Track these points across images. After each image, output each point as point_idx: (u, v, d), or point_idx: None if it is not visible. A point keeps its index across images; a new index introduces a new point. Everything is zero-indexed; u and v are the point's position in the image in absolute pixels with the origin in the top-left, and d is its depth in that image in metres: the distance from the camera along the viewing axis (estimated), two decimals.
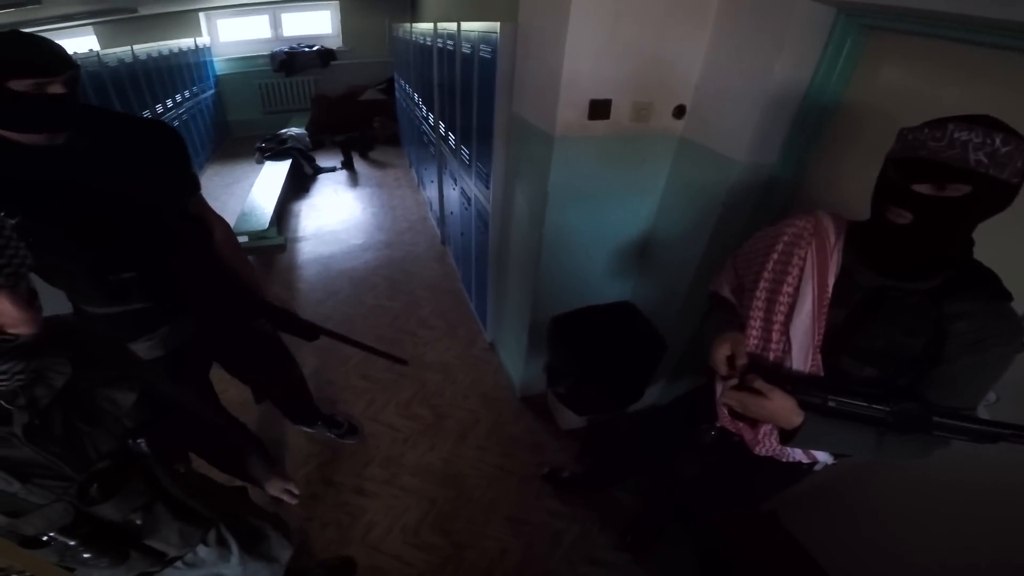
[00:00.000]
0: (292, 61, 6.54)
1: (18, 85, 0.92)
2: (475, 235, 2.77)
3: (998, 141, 0.71)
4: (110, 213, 1.09)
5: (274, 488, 1.25)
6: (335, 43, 6.84)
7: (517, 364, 2.54)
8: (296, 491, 1.29)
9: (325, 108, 6.55)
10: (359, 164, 6.09)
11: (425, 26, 3.27)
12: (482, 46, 2.07)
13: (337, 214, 4.68)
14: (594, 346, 2.04)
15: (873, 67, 1.40)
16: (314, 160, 5.74)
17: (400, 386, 2.65)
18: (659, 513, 1.91)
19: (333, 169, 5.85)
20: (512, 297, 2.45)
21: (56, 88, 0.96)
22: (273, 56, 6.56)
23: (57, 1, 3.37)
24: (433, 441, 2.36)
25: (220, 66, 6.57)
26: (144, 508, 0.89)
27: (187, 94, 5.63)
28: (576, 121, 1.64)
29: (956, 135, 0.73)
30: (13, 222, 0.92)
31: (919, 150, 0.77)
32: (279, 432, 2.34)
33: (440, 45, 2.86)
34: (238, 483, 1.26)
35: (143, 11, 5.12)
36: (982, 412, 1.25)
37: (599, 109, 1.63)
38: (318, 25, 6.83)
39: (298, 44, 6.64)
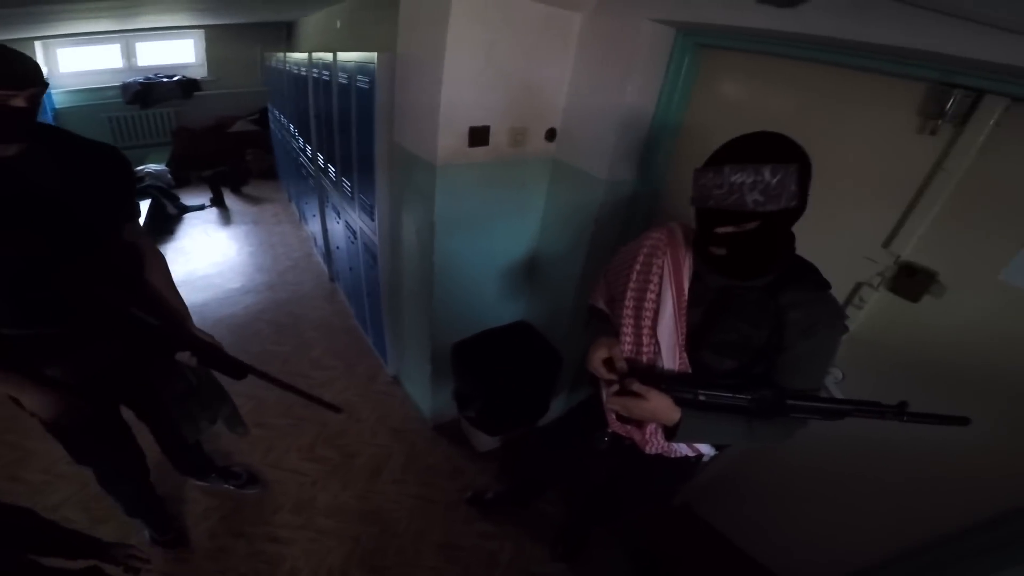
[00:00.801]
0: (148, 92, 5.96)
1: None
2: (364, 269, 2.71)
3: (767, 175, 0.81)
4: (49, 229, 1.07)
5: (118, 557, 1.20)
6: (199, 73, 6.35)
7: (424, 394, 2.52)
8: (142, 555, 1.23)
9: (189, 141, 6.07)
10: (231, 200, 5.67)
11: (300, 56, 3.17)
12: (359, 76, 2.05)
13: (209, 256, 4.31)
14: (497, 367, 2.08)
15: (707, 83, 1.60)
16: (178, 199, 5.25)
17: (299, 430, 2.51)
18: (582, 520, 1.97)
19: (201, 207, 5.39)
20: (410, 328, 2.43)
21: (19, 102, 0.97)
22: (125, 87, 5.93)
23: None
24: (345, 480, 2.26)
25: (59, 99, 5.79)
26: None
27: None
28: (457, 148, 1.68)
29: (732, 179, 0.82)
30: None
31: (707, 200, 0.88)
32: (172, 487, 2.12)
33: (316, 75, 2.78)
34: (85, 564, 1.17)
35: None
36: (833, 389, 1.46)
37: (478, 136, 1.69)
38: (180, 54, 6.28)
39: (156, 74, 6.08)
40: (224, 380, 1.44)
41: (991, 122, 1.07)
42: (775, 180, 0.81)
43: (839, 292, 1.33)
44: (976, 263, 1.17)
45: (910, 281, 1.26)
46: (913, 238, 1.24)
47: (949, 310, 1.23)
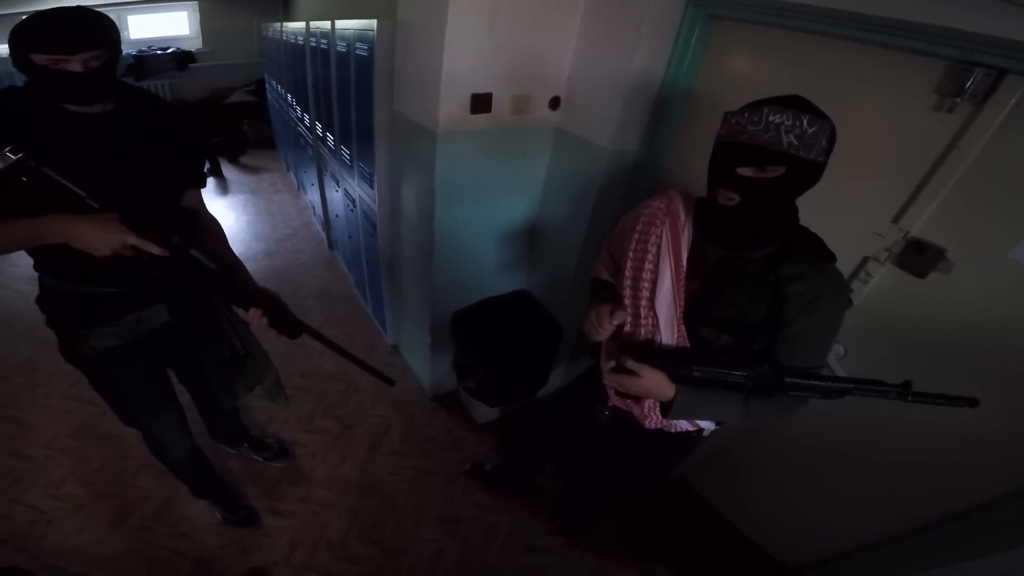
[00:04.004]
0: (141, 65, 5.85)
1: (38, 59, 0.96)
2: (363, 237, 2.69)
3: (805, 122, 0.79)
4: (117, 188, 1.05)
5: None
6: (194, 45, 6.20)
7: (423, 364, 2.52)
8: None
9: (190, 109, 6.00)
10: (229, 170, 5.65)
11: (297, 25, 3.12)
12: (358, 44, 2.01)
13: (216, 218, 4.25)
14: (496, 337, 2.07)
15: (716, 56, 1.56)
16: None
17: (299, 401, 2.51)
18: (581, 493, 1.99)
19: None
20: (410, 297, 2.42)
21: (74, 67, 0.97)
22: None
23: None
24: (344, 452, 2.28)
25: None
26: None
27: None
28: (459, 116, 1.65)
29: (771, 118, 0.80)
30: (14, 158, 0.89)
31: (740, 135, 0.84)
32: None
33: (313, 44, 2.74)
34: None
35: None
36: (834, 365, 1.44)
37: (481, 103, 1.66)
38: (173, 26, 6.12)
39: (149, 47, 5.96)
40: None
41: (1012, 101, 1.04)
42: (811, 130, 0.80)
43: (845, 266, 1.31)
44: (986, 241, 1.15)
45: (918, 257, 1.24)
46: (923, 215, 1.22)
47: (956, 287, 1.21)
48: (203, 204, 1.42)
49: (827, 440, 1.60)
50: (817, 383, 0.96)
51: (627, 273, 1.12)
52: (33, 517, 1.90)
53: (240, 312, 1.22)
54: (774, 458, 1.80)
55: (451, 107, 1.62)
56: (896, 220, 1.27)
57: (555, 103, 1.80)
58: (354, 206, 2.71)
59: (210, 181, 5.26)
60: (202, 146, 1.36)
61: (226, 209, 4.70)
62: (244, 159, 5.99)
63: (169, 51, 5.99)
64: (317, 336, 1.23)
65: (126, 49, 5.88)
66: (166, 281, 1.18)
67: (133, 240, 1.00)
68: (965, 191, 1.15)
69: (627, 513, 2.09)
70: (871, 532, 1.56)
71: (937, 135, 1.16)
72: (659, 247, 1.07)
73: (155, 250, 1.02)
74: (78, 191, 0.96)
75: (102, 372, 1.36)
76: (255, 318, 1.18)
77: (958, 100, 1.09)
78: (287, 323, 1.22)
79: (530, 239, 2.21)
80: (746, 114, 0.84)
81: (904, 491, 1.45)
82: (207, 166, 5.04)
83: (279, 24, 3.82)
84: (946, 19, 0.98)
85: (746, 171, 0.86)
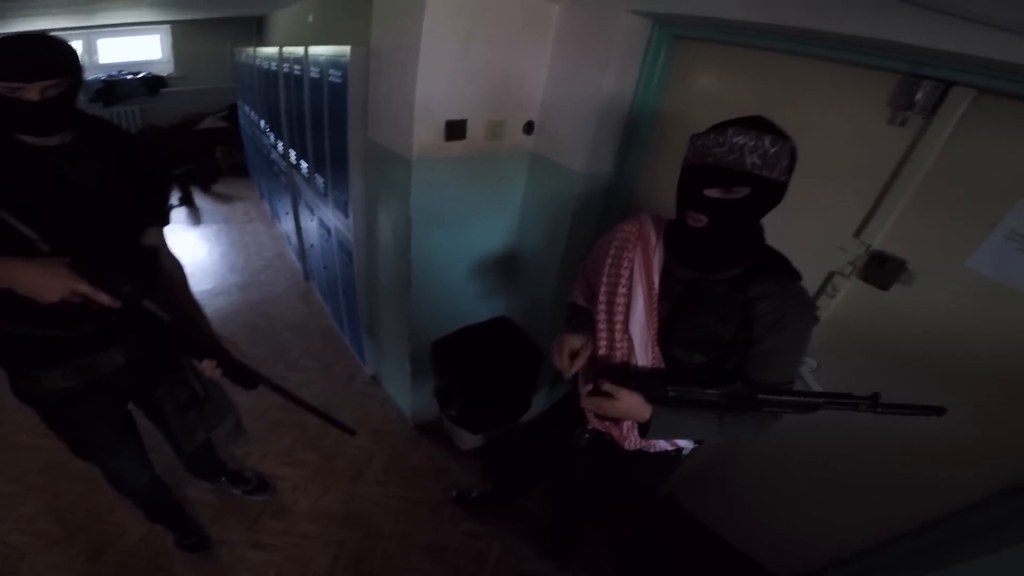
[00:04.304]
0: (111, 90, 5.78)
1: None
2: (339, 267, 2.67)
3: (767, 143, 0.82)
4: (76, 226, 1.03)
5: None
6: (166, 69, 6.14)
7: (404, 393, 2.49)
8: None
9: (155, 140, 5.92)
10: (201, 199, 5.55)
11: (270, 50, 3.11)
12: (332, 71, 2.02)
13: (178, 257, 4.17)
14: (477, 364, 2.06)
15: (682, 75, 1.61)
16: None
17: (277, 434, 2.46)
18: (567, 516, 1.97)
19: (170, 206, 5.26)
20: (388, 327, 2.40)
21: (31, 95, 0.94)
22: (87, 85, 5.74)
23: None
24: (326, 484, 2.23)
25: None
26: None
27: None
28: (433, 143, 1.66)
29: (735, 139, 0.83)
30: None
31: (706, 156, 0.87)
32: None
33: (287, 70, 2.74)
34: None
35: None
36: (808, 378, 1.47)
37: (455, 130, 1.67)
38: (145, 51, 6.06)
39: (120, 72, 5.90)
40: (230, 389, 1.35)
41: (958, 113, 1.09)
42: (773, 150, 0.83)
43: (812, 281, 1.34)
44: (943, 252, 1.19)
45: (880, 270, 1.28)
46: (883, 228, 1.26)
47: (918, 298, 1.25)
48: (165, 243, 1.38)
49: (809, 451, 1.62)
50: (788, 399, 0.99)
51: (601, 297, 1.13)
52: (4, 552, 1.83)
53: (194, 363, 1.18)
54: (759, 471, 1.81)
55: (425, 134, 1.63)
56: (858, 234, 1.31)
57: (529, 128, 1.83)
58: (329, 235, 2.69)
59: (182, 210, 5.22)
60: (167, 181, 1.34)
61: (199, 240, 4.60)
62: (217, 187, 5.90)
63: (140, 76, 5.91)
64: (274, 388, 1.21)
65: (96, 74, 5.80)
66: (121, 326, 1.13)
67: (83, 288, 0.95)
68: (921, 203, 1.19)
69: (617, 534, 2.08)
70: (865, 538, 1.57)
71: (892, 148, 1.20)
72: (632, 270, 1.09)
73: (105, 300, 0.98)
74: (29, 233, 0.93)
75: (56, 412, 1.32)
76: (209, 369, 1.16)
77: (909, 113, 1.14)
78: (242, 374, 1.19)
79: (508, 265, 2.21)
80: (711, 136, 0.87)
81: (888, 498, 1.48)
82: (177, 196, 4.93)
83: (252, 49, 3.80)
84: (892, 33, 1.01)
85: (713, 192, 0.89)
